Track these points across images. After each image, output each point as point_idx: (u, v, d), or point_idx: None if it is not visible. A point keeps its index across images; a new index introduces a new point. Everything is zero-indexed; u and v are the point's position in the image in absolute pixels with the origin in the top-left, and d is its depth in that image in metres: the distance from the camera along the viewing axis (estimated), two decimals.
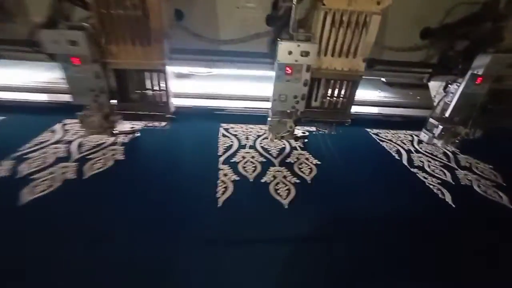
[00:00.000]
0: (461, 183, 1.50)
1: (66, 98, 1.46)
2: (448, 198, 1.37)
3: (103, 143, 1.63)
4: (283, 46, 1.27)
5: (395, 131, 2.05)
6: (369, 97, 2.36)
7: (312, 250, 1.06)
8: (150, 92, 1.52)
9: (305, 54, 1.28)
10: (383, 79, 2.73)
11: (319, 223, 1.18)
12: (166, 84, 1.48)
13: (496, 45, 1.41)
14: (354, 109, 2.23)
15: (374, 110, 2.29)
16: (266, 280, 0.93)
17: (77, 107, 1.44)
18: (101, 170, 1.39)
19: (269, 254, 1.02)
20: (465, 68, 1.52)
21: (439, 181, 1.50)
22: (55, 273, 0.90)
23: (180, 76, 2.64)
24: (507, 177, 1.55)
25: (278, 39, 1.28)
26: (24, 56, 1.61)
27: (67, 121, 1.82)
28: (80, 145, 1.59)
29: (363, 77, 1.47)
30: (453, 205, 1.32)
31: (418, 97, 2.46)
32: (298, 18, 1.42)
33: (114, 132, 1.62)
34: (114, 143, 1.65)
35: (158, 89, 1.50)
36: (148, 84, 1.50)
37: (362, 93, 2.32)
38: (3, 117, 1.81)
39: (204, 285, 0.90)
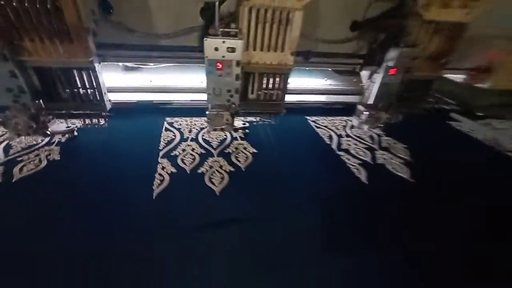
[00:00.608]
0: (377, 162, 1.73)
1: None
2: (363, 176, 1.58)
3: (36, 144, 1.58)
4: (208, 43, 1.30)
5: (332, 118, 2.24)
6: (313, 86, 2.50)
7: (242, 231, 1.18)
8: (81, 91, 1.48)
9: (232, 50, 1.33)
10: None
11: (248, 206, 1.31)
12: (98, 82, 1.45)
13: (404, 40, 1.59)
14: (297, 97, 2.37)
15: (319, 98, 2.44)
16: (204, 266, 1.02)
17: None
18: (32, 172, 1.37)
19: (202, 239, 1.12)
20: (382, 59, 1.70)
21: (359, 161, 1.71)
22: None
23: (128, 69, 2.54)
24: (414, 154, 1.82)
25: (206, 35, 1.31)
26: None
27: None
28: (7, 148, 1.52)
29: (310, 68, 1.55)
30: (366, 182, 1.54)
31: (361, 84, 2.65)
32: (230, 11, 1.46)
33: (47, 132, 1.57)
34: (49, 143, 1.60)
35: (89, 87, 1.47)
36: (78, 82, 1.46)
37: (308, 81, 2.44)
38: None
39: (141, 277, 0.96)
